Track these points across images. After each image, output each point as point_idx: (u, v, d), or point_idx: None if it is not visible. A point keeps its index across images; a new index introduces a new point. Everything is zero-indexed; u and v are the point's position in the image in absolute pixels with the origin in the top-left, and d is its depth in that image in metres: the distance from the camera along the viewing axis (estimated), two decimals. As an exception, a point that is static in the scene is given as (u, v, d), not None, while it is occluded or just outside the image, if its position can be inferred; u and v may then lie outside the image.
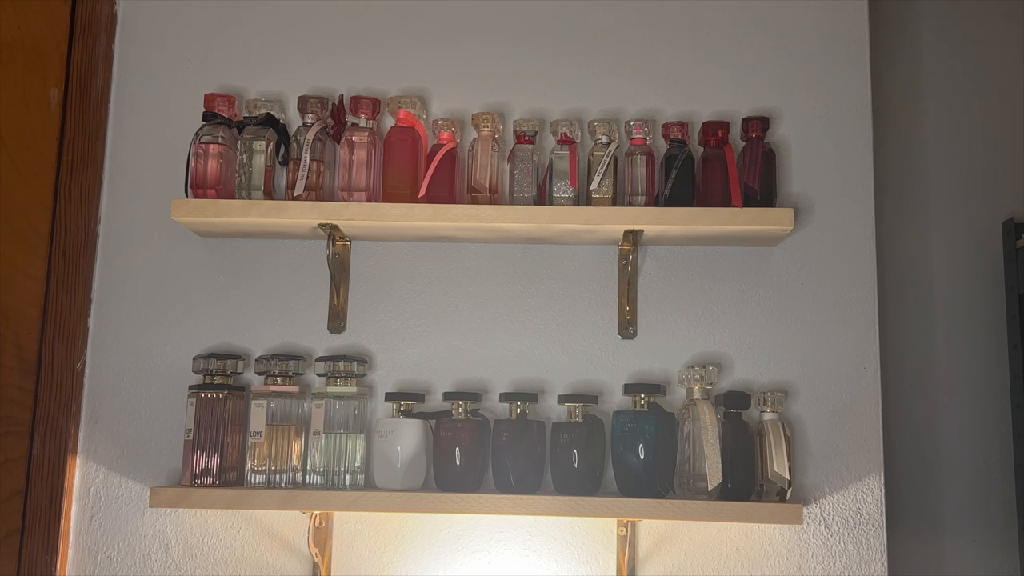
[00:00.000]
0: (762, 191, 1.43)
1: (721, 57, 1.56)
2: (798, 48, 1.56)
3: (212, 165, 1.43)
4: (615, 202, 1.45)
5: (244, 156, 1.45)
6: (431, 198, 1.42)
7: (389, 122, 1.53)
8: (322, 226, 1.43)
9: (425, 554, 1.46)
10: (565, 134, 1.47)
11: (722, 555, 1.44)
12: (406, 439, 1.39)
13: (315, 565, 1.43)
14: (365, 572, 1.45)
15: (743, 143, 1.47)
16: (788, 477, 1.36)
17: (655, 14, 1.57)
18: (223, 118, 1.46)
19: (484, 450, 1.41)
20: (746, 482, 1.37)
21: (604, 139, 1.46)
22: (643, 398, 1.39)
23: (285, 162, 1.49)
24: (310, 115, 1.47)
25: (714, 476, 1.31)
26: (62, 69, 1.55)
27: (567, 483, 1.37)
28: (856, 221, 1.51)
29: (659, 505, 1.33)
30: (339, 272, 1.51)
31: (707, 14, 1.57)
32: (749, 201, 1.42)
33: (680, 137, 1.46)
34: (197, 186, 1.43)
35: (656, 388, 1.41)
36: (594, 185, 1.44)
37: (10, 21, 1.54)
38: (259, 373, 1.45)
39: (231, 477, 1.42)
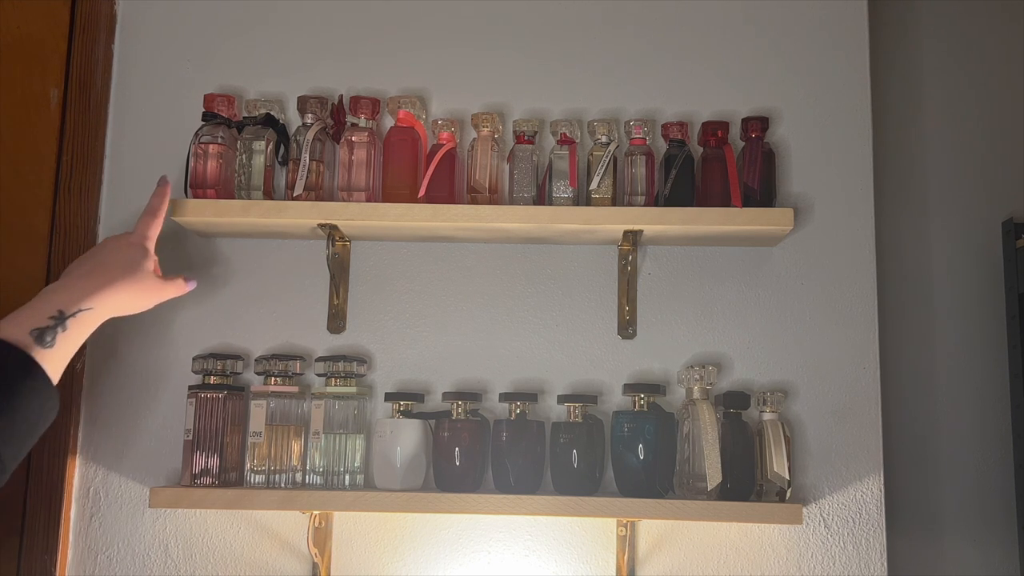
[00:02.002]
0: (762, 191, 1.43)
1: (721, 57, 1.56)
2: (798, 48, 1.56)
3: (212, 165, 1.43)
4: (615, 202, 1.45)
5: (244, 156, 1.45)
6: (431, 198, 1.42)
7: (389, 122, 1.53)
8: (322, 226, 1.43)
9: (425, 554, 1.46)
10: (565, 134, 1.47)
11: (722, 555, 1.44)
12: (406, 439, 1.39)
13: (315, 565, 1.43)
14: (365, 572, 1.45)
15: (743, 143, 1.47)
16: (788, 477, 1.36)
17: (655, 14, 1.57)
18: (223, 118, 1.46)
19: (484, 450, 1.41)
20: (746, 482, 1.37)
21: (604, 139, 1.46)
22: (643, 398, 1.39)
23: (285, 162, 1.49)
24: (310, 115, 1.47)
25: (714, 476, 1.31)
26: (62, 69, 1.56)
27: (567, 483, 1.37)
28: (856, 221, 1.51)
29: (659, 505, 1.33)
30: (339, 272, 1.51)
31: (707, 14, 1.57)
32: (749, 201, 1.42)
33: (680, 137, 1.46)
34: (197, 186, 1.43)
35: (656, 388, 1.41)
36: (594, 185, 1.44)
37: (10, 21, 1.54)
38: (259, 373, 1.45)
39: (231, 477, 1.42)
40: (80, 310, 1.15)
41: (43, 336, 1.09)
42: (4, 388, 1.02)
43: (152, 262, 1.30)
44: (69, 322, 1.13)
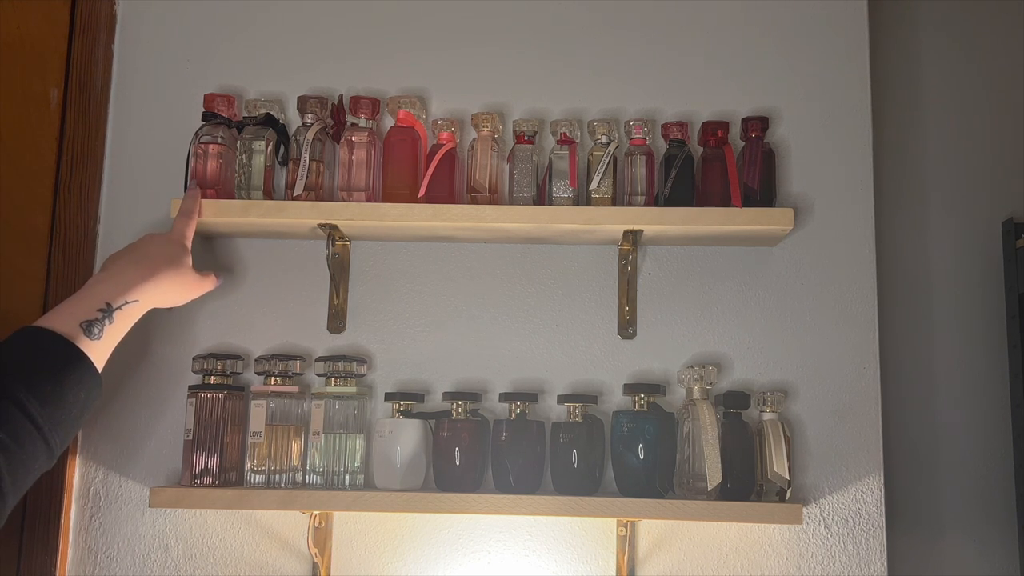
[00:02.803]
0: (762, 191, 1.43)
1: (721, 57, 1.56)
2: (798, 48, 1.56)
3: (212, 165, 1.43)
4: (615, 202, 1.45)
5: (244, 156, 1.45)
6: (431, 198, 1.42)
7: (389, 122, 1.53)
8: (322, 226, 1.43)
9: (425, 554, 1.46)
10: (565, 134, 1.47)
11: (722, 555, 1.44)
12: (406, 439, 1.40)
13: (315, 565, 1.43)
14: (365, 572, 1.45)
15: (743, 143, 1.47)
16: (788, 477, 1.36)
17: (655, 14, 1.57)
18: (223, 118, 1.46)
19: (484, 450, 1.41)
20: (746, 482, 1.37)
21: (604, 139, 1.46)
22: (643, 398, 1.39)
23: (285, 162, 1.49)
24: (310, 115, 1.47)
25: (714, 476, 1.31)
26: (62, 69, 1.56)
27: (567, 483, 1.37)
28: (856, 221, 1.51)
29: (659, 505, 1.33)
30: (339, 272, 1.51)
31: (707, 14, 1.57)
32: (749, 201, 1.42)
33: (680, 137, 1.46)
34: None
35: (656, 388, 1.41)
36: (593, 185, 1.44)
37: (10, 21, 1.54)
38: (259, 373, 1.45)
39: (231, 477, 1.42)
40: (127, 302, 1.21)
41: (91, 328, 1.15)
42: (54, 379, 1.08)
43: (189, 258, 1.35)
44: (116, 314, 1.19)
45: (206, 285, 1.39)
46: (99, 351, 1.15)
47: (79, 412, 1.10)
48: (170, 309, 1.39)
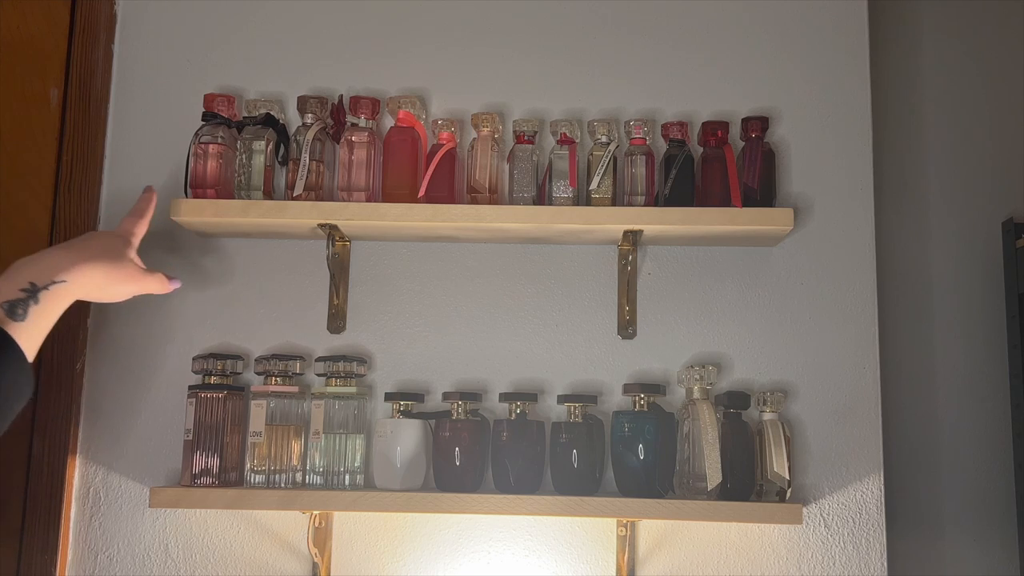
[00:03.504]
0: (762, 191, 1.43)
1: (721, 57, 1.56)
2: (798, 48, 1.56)
3: (212, 165, 1.43)
4: (615, 202, 1.45)
5: (244, 156, 1.45)
6: (431, 198, 1.42)
7: (389, 122, 1.53)
8: (321, 226, 1.43)
9: (425, 554, 1.46)
10: (565, 134, 1.47)
11: (722, 555, 1.44)
12: (406, 439, 1.40)
13: (315, 565, 1.43)
14: (365, 572, 1.45)
15: (743, 143, 1.47)
16: (788, 477, 1.36)
17: (655, 14, 1.57)
18: (223, 118, 1.46)
19: (484, 450, 1.41)
20: (746, 482, 1.36)
21: (604, 139, 1.46)
22: (643, 398, 1.39)
23: (285, 162, 1.49)
24: (309, 115, 1.47)
25: (713, 476, 1.31)
26: (62, 69, 1.56)
27: (567, 483, 1.37)
28: (856, 221, 1.51)
29: (659, 505, 1.33)
30: (339, 272, 1.51)
31: (707, 14, 1.57)
32: (749, 201, 1.42)
33: (680, 137, 1.46)
34: (197, 186, 1.43)
35: (656, 388, 1.41)
36: (593, 185, 1.44)
37: (10, 21, 1.54)
38: (259, 373, 1.45)
39: (231, 477, 1.42)
40: (54, 282, 1.10)
41: (14, 309, 1.05)
42: None
43: (133, 252, 1.27)
44: (41, 295, 1.08)
45: (150, 283, 1.28)
46: (27, 333, 1.04)
47: (6, 398, 1.00)
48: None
